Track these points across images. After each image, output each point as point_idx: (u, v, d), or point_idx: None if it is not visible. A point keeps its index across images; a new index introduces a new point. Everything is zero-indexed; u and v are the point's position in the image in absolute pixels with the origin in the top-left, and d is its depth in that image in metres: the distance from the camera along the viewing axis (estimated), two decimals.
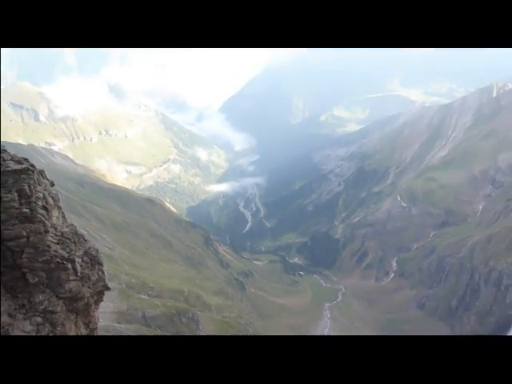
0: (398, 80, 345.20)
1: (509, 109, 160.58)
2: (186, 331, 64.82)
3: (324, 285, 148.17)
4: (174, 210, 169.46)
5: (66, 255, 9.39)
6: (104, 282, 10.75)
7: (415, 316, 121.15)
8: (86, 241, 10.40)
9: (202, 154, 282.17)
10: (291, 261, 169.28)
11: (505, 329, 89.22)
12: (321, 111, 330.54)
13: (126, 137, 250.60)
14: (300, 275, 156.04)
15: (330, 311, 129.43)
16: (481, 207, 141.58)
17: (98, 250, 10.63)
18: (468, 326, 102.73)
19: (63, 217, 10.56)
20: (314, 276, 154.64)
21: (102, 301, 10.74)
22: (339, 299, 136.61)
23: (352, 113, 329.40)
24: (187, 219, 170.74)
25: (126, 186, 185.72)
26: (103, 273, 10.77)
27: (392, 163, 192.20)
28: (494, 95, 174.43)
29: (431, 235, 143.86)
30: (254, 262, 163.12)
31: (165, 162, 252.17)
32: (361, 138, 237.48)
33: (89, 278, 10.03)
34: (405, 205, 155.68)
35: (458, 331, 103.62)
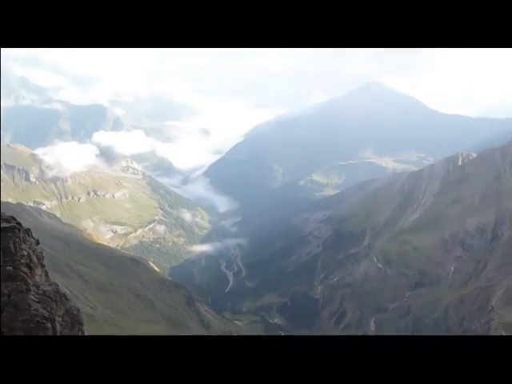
0: (371, 149, 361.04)
1: (473, 176, 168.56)
2: None
3: None
4: (157, 269, 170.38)
5: (47, 314, 9.08)
6: None
7: None
8: (67, 300, 10.09)
9: (187, 216, 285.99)
10: (271, 321, 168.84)
11: None
12: (300, 176, 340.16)
13: (114, 198, 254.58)
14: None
15: None
16: (452, 269, 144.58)
17: (79, 310, 10.48)
18: None
19: (46, 275, 10.37)
20: None
21: None
22: None
23: (329, 178, 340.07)
24: (170, 279, 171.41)
25: (111, 245, 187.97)
26: (83, 333, 10.46)
27: (367, 226, 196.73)
28: (459, 163, 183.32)
29: (407, 296, 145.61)
30: (235, 322, 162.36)
31: (150, 223, 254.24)
32: (337, 202, 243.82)
33: None
34: (381, 266, 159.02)
35: None
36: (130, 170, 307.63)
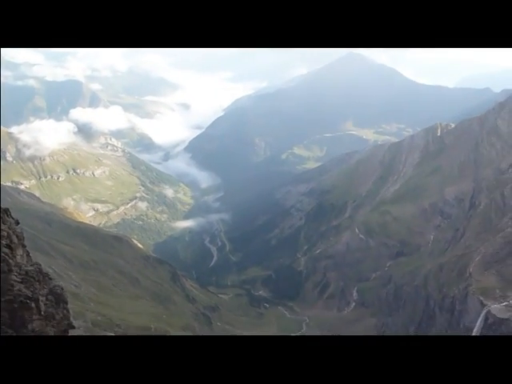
0: (352, 121, 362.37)
1: (452, 147, 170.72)
2: None
3: (288, 316, 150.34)
4: (141, 246, 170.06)
5: (30, 294, 9.09)
6: (69, 320, 10.32)
7: None
8: (50, 279, 10.02)
9: (169, 192, 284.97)
10: (256, 294, 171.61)
11: None
12: (281, 150, 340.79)
13: (94, 175, 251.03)
14: (265, 307, 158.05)
15: None
16: (432, 237, 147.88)
17: (63, 289, 10.36)
18: None
19: (28, 255, 10.27)
20: (279, 308, 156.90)
21: None
22: (303, 330, 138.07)
23: (311, 151, 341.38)
24: (154, 255, 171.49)
25: (93, 224, 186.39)
26: (68, 311, 10.41)
27: (349, 198, 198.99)
28: (438, 134, 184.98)
29: (388, 265, 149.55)
30: (220, 295, 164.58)
31: (132, 200, 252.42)
32: (319, 175, 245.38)
33: (53, 317, 9.64)
34: (362, 237, 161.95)
35: None
36: (110, 147, 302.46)
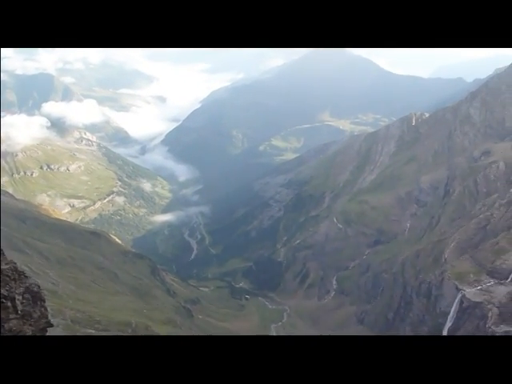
0: (328, 112, 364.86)
1: (426, 136, 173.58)
2: None
3: (269, 306, 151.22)
4: (119, 241, 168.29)
5: (6, 293, 8.92)
6: (47, 318, 10.06)
7: (356, 331, 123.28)
8: (26, 277, 9.85)
9: (146, 186, 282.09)
10: (237, 285, 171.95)
11: None
12: (259, 142, 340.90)
13: (69, 171, 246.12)
14: (246, 299, 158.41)
15: (277, 332, 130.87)
16: (408, 225, 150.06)
17: (39, 286, 10.13)
18: None
19: (2, 254, 9.94)
20: (260, 299, 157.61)
21: None
22: (284, 320, 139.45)
23: (288, 142, 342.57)
24: (133, 250, 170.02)
25: (69, 220, 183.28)
26: (45, 309, 10.18)
27: (327, 188, 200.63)
28: (413, 124, 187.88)
29: (366, 253, 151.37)
30: (201, 288, 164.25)
31: (109, 195, 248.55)
32: (297, 166, 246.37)
33: (30, 316, 9.46)
34: (341, 226, 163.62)
35: None
36: (84, 142, 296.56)
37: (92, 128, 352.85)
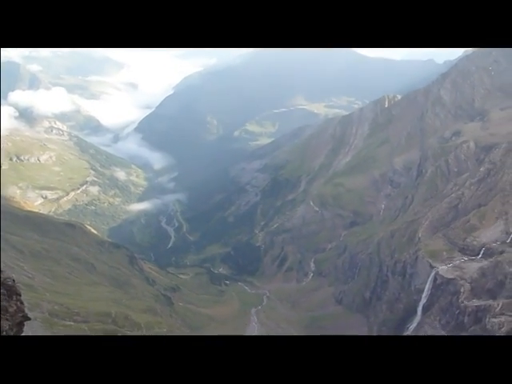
0: (302, 95, 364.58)
1: (399, 118, 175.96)
2: None
3: (249, 291, 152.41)
4: (95, 232, 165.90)
5: None
6: (23, 312, 9.97)
7: (334, 311, 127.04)
8: (0, 271, 9.86)
9: (121, 175, 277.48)
10: (216, 271, 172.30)
11: (412, 313, 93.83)
12: (234, 127, 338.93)
13: (40, 161, 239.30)
14: (226, 284, 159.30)
15: (257, 316, 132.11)
16: (383, 206, 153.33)
17: (14, 280, 10.11)
18: (381, 314, 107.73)
19: None
20: (239, 284, 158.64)
21: (22, 332, 9.89)
22: (264, 303, 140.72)
23: (263, 127, 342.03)
24: (110, 240, 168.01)
25: (42, 212, 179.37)
26: (22, 303, 10.11)
27: (303, 172, 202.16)
28: (386, 106, 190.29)
29: (342, 235, 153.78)
30: (180, 276, 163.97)
31: (82, 185, 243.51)
32: (273, 151, 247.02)
33: (6, 310, 9.40)
34: (317, 209, 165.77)
35: (373, 320, 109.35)
36: (55, 131, 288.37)
37: (62, 117, 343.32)
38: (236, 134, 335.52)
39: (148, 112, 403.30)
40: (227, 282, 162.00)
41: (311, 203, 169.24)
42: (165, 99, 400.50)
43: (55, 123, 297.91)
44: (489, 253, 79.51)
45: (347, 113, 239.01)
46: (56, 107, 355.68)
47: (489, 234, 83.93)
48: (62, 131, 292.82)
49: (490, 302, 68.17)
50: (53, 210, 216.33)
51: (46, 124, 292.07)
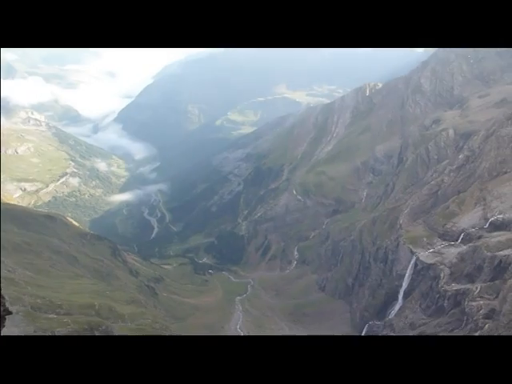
0: (284, 84, 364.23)
1: (380, 106, 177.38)
2: None
3: (233, 280, 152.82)
4: (76, 224, 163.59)
5: None
6: (4, 306, 10.06)
7: (318, 298, 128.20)
8: None
9: (101, 165, 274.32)
10: (200, 261, 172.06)
11: (394, 298, 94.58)
12: (216, 116, 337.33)
13: (17, 153, 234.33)
14: (210, 274, 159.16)
15: (241, 304, 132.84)
16: (365, 194, 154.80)
17: None
18: (363, 300, 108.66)
19: None
20: (223, 273, 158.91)
21: (4, 326, 9.84)
22: (249, 292, 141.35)
23: (245, 116, 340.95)
24: (91, 232, 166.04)
25: (21, 205, 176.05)
26: (3, 297, 10.20)
27: (285, 161, 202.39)
28: (367, 94, 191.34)
29: (325, 223, 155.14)
30: (164, 266, 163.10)
31: (62, 176, 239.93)
32: (255, 140, 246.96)
33: None
34: (300, 198, 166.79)
35: (355, 306, 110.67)
36: (32, 122, 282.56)
37: (39, 107, 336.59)
38: (218, 123, 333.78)
39: (128, 101, 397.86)
40: (211, 271, 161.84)
41: (294, 192, 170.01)
42: (145, 88, 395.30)
43: (32, 114, 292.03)
44: (467, 238, 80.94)
45: (329, 101, 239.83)
46: (33, 97, 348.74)
47: (467, 220, 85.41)
48: (40, 122, 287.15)
49: (469, 285, 69.66)
50: (32, 202, 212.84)
51: (23, 115, 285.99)
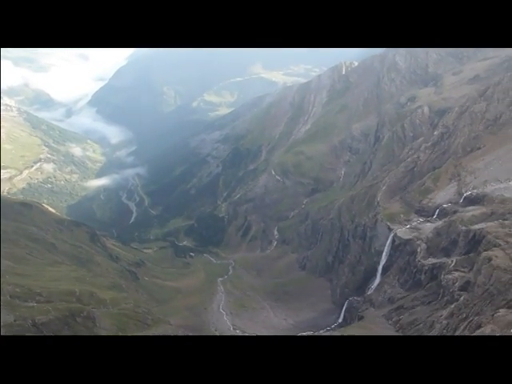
0: (260, 64, 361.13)
1: (356, 84, 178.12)
2: (83, 331, 63.38)
3: (214, 262, 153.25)
4: (53, 210, 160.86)
5: None
6: None
7: (299, 276, 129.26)
8: None
9: (76, 150, 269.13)
10: (181, 244, 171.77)
11: (373, 274, 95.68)
12: (192, 98, 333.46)
13: None
14: (191, 256, 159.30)
15: (223, 285, 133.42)
16: (343, 172, 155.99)
17: None
18: (343, 277, 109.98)
19: None
20: (204, 255, 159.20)
21: None
22: (230, 273, 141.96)
23: (221, 97, 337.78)
24: (69, 218, 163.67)
25: None
26: None
27: (263, 141, 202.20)
28: (343, 73, 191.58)
29: (304, 202, 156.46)
30: (144, 250, 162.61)
31: (36, 162, 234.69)
32: (232, 121, 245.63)
33: None
34: (279, 178, 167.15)
35: (336, 283, 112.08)
36: (3, 107, 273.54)
37: (10, 92, 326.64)
38: (194, 104, 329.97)
39: (101, 84, 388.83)
40: (192, 254, 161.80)
41: (273, 172, 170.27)
42: (118, 70, 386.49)
43: (2, 98, 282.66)
44: (443, 213, 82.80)
45: (305, 80, 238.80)
46: (3, 81, 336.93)
47: (443, 196, 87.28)
48: (11, 107, 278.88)
49: (445, 259, 71.54)
50: (6, 189, 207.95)
51: None
